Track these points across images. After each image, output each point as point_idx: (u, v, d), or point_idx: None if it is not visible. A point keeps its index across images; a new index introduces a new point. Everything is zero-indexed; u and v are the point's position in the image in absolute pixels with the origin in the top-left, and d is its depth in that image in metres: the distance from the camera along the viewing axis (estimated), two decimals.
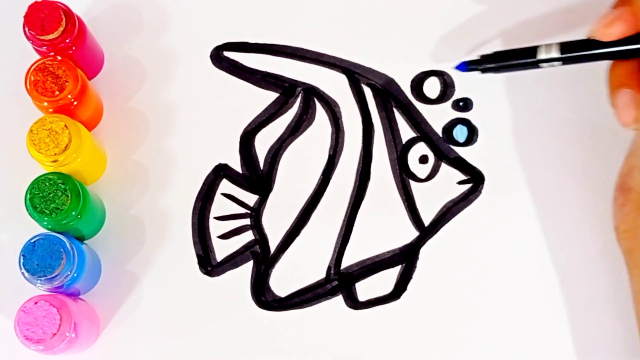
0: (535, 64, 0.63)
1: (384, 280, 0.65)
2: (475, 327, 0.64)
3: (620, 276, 0.64)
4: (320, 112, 0.67)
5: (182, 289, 0.65)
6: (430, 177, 0.66)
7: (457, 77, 0.68)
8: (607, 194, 0.65)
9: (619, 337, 0.64)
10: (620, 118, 0.60)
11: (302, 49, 0.68)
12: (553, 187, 0.66)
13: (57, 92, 0.62)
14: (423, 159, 0.67)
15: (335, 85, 0.68)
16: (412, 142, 0.67)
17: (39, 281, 0.60)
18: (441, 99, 0.67)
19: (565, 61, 0.63)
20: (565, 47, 0.62)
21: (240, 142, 0.67)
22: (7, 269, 0.64)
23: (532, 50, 0.63)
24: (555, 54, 0.62)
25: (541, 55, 0.63)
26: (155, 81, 0.68)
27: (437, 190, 0.66)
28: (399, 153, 0.67)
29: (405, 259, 0.65)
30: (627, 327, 0.64)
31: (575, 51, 0.62)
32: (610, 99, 0.61)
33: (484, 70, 0.65)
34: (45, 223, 0.61)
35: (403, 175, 0.67)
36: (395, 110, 0.67)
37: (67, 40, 0.63)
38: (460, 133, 0.67)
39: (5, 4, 0.68)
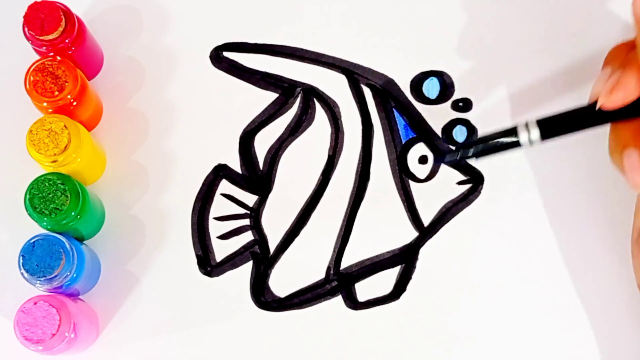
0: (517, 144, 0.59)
1: (384, 281, 0.65)
2: (474, 327, 0.64)
3: (620, 275, 0.64)
4: (320, 113, 0.67)
5: (182, 290, 0.65)
6: (429, 177, 0.66)
7: (457, 77, 0.68)
8: (607, 193, 0.65)
9: (618, 336, 0.64)
10: (628, 180, 0.56)
11: (302, 50, 0.68)
12: (553, 186, 0.66)
13: (56, 93, 0.62)
14: (422, 159, 0.67)
15: (334, 85, 0.68)
16: (411, 143, 0.67)
17: (38, 281, 0.60)
18: (441, 99, 0.67)
19: (552, 136, 0.58)
20: (545, 123, 0.58)
21: (240, 143, 0.67)
22: (6, 270, 0.64)
23: (512, 132, 0.58)
24: (537, 133, 0.58)
25: (523, 137, 0.58)
26: (154, 81, 0.68)
27: (436, 190, 0.66)
28: (398, 153, 0.67)
29: (404, 259, 0.65)
30: (627, 327, 0.64)
31: (563, 124, 0.58)
32: (614, 160, 0.58)
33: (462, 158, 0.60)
34: (44, 223, 0.61)
35: (402, 176, 0.67)
36: (394, 110, 0.67)
37: (67, 41, 0.63)
38: (459, 133, 0.67)
39: (5, 4, 0.68)
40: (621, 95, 0.56)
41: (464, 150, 0.59)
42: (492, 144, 0.58)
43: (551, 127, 0.58)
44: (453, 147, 0.66)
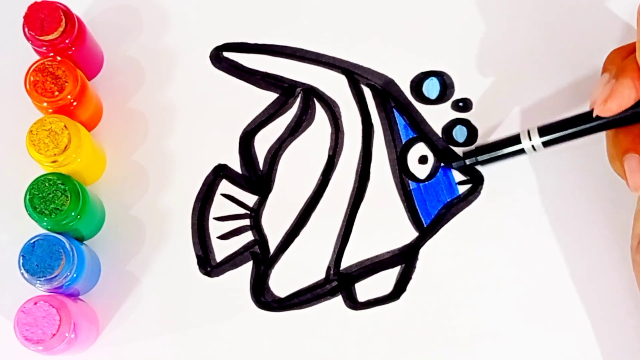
0: (522, 151, 0.63)
1: (384, 281, 0.65)
2: (474, 327, 0.64)
3: (621, 275, 0.64)
4: (320, 113, 0.67)
5: (182, 290, 0.65)
6: (429, 177, 0.66)
7: (457, 77, 0.68)
8: (608, 193, 0.65)
9: (619, 337, 0.64)
10: (629, 183, 0.58)
11: (302, 50, 0.68)
12: (552, 186, 0.66)
13: (56, 93, 0.62)
14: (422, 159, 0.67)
15: (334, 85, 0.68)
16: (411, 143, 0.67)
17: (38, 282, 0.60)
18: (441, 99, 0.67)
19: (554, 143, 0.62)
20: (546, 130, 0.62)
21: (240, 143, 0.67)
22: (6, 270, 0.64)
23: (515, 139, 0.63)
24: (538, 140, 0.62)
25: (526, 144, 0.63)
26: (154, 82, 0.68)
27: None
28: (398, 153, 0.67)
29: (404, 259, 0.65)
30: (629, 327, 0.64)
31: (564, 130, 0.62)
32: (614, 165, 0.60)
33: (468, 166, 0.65)
34: (44, 223, 0.61)
35: (402, 176, 0.67)
36: (394, 110, 0.67)
37: (67, 41, 0.63)
38: (460, 133, 0.67)
39: (5, 4, 0.68)
40: (616, 104, 0.58)
41: (470, 157, 0.64)
42: (498, 152, 0.63)
43: (553, 133, 0.62)
44: (459, 151, 0.66)
